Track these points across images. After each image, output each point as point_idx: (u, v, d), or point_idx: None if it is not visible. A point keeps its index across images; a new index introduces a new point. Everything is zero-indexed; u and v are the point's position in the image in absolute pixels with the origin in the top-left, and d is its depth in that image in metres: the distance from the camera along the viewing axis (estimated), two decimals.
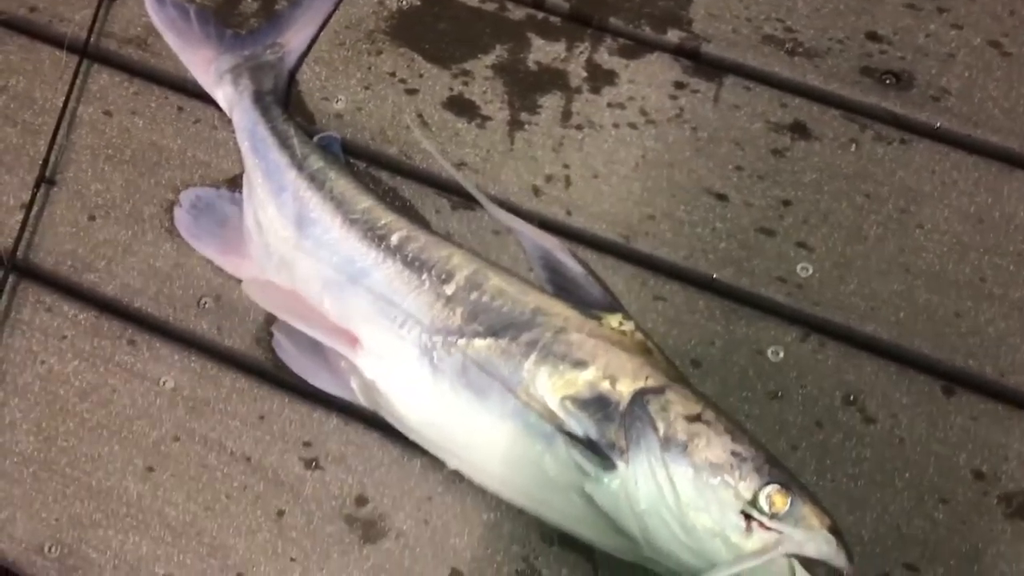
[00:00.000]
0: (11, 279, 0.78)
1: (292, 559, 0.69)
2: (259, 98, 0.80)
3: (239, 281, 0.77)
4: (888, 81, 0.82)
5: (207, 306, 0.77)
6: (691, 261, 0.77)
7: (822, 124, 0.81)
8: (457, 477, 0.69)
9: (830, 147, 0.80)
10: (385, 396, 0.68)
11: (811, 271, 0.76)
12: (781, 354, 0.73)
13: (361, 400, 0.71)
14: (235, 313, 0.77)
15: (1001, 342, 0.73)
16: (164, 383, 0.75)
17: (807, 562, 0.58)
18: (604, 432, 0.61)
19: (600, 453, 0.60)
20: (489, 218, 0.77)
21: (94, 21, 0.87)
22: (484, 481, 0.67)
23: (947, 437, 0.71)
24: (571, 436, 0.61)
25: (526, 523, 0.69)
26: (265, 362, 0.75)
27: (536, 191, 0.80)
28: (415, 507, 0.70)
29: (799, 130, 0.81)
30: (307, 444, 0.72)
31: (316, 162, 0.76)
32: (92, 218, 0.81)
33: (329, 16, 0.87)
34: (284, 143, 0.77)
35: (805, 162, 0.80)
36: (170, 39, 0.86)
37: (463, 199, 0.79)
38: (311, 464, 0.72)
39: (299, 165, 0.76)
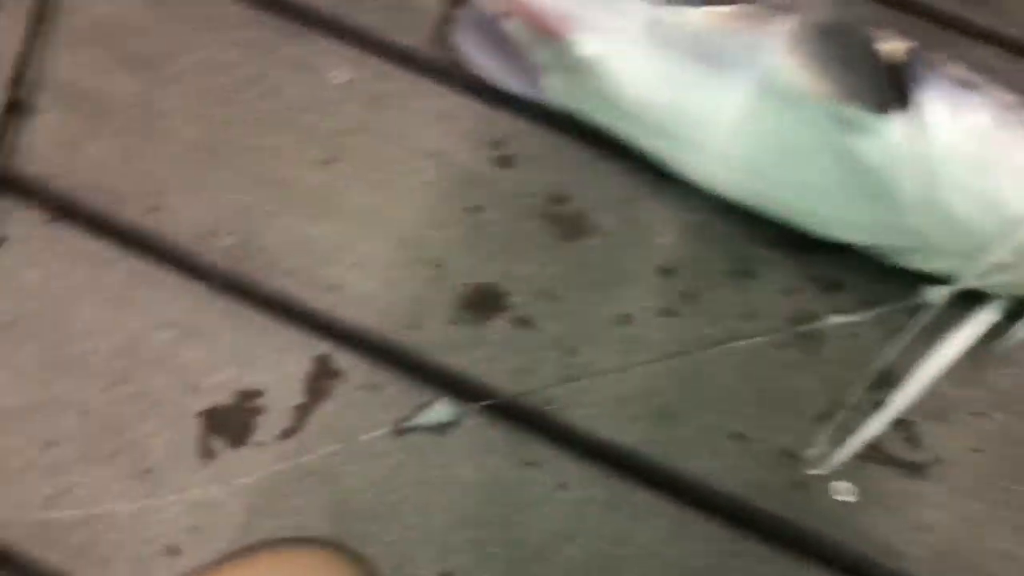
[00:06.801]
0: None
1: (490, 253, 0.64)
2: None
3: None
4: None
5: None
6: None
7: None
8: (661, 180, 0.65)
9: None
10: (598, 76, 0.63)
11: None
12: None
13: (555, 97, 0.66)
14: (408, 9, 0.71)
15: None
16: (335, 77, 0.69)
17: None
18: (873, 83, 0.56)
19: (878, 99, 0.56)
20: None
21: None
22: (702, 165, 0.62)
23: None
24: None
25: (742, 223, 0.65)
26: (444, 61, 0.69)
27: None
28: (617, 207, 0.66)
29: None
30: (495, 143, 0.67)
31: None
32: None
33: None
34: None
35: None
36: None
37: None
38: (503, 162, 0.67)
39: None
